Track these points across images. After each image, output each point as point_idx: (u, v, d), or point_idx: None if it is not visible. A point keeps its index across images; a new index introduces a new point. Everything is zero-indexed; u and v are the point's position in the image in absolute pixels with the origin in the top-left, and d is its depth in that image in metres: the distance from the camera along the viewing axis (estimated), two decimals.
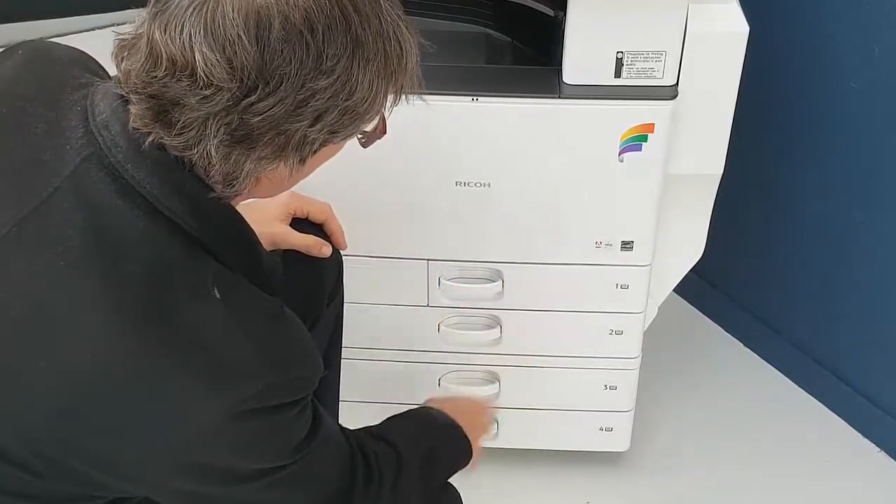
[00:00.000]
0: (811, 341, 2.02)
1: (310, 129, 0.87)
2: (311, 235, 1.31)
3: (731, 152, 1.51)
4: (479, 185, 1.47)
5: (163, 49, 0.83)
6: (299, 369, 0.94)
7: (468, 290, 1.59)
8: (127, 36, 0.88)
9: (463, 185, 1.47)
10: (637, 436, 1.82)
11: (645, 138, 1.42)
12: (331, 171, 1.44)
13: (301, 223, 1.32)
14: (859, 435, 1.96)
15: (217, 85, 0.82)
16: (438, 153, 1.44)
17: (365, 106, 0.89)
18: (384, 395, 1.54)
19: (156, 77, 0.84)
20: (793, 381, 2.07)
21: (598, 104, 1.40)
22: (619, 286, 1.58)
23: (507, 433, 1.77)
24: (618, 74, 1.38)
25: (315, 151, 0.90)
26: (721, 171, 1.53)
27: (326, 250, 1.32)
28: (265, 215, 1.28)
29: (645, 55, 1.37)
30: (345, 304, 1.47)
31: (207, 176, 0.88)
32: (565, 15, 1.35)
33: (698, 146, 1.49)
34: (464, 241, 1.54)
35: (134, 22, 0.88)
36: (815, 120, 1.83)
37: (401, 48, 0.89)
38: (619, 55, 1.37)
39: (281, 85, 0.83)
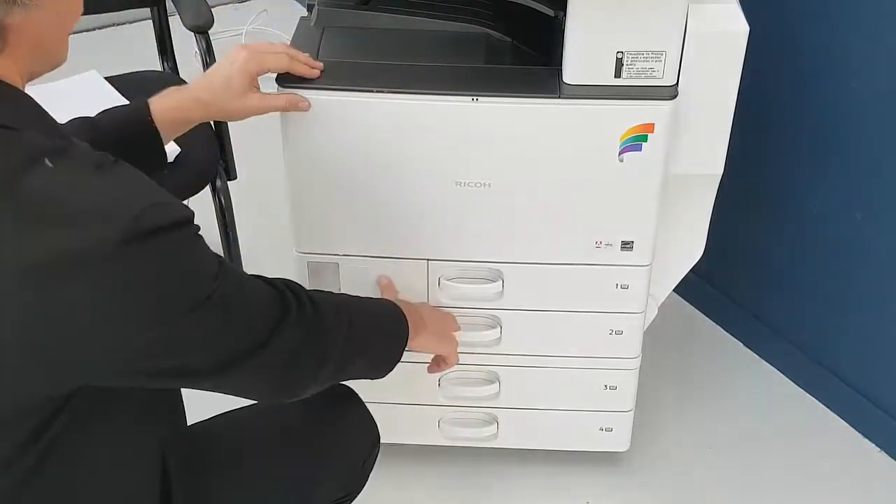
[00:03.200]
0: (811, 341, 2.02)
1: None
2: (283, 95, 1.36)
3: (731, 152, 1.51)
4: (479, 185, 1.47)
5: None
6: (160, 195, 0.93)
7: (468, 290, 1.59)
8: None
9: (463, 185, 1.47)
10: (637, 436, 1.82)
11: (645, 138, 1.42)
12: (331, 172, 1.44)
13: None
14: (859, 435, 1.97)
15: None
16: (438, 153, 1.44)
17: None
18: (384, 395, 1.54)
19: None
20: (793, 381, 2.07)
21: (598, 104, 1.40)
22: (619, 286, 1.58)
23: (507, 433, 1.78)
24: (618, 74, 1.38)
25: None
26: (721, 171, 1.53)
27: (304, 104, 1.36)
28: (233, 92, 1.31)
29: (645, 55, 1.37)
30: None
31: None
32: (565, 15, 1.35)
33: (698, 146, 1.49)
34: (464, 241, 1.54)
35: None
36: (815, 120, 1.83)
37: None
38: (619, 55, 1.37)
39: None
